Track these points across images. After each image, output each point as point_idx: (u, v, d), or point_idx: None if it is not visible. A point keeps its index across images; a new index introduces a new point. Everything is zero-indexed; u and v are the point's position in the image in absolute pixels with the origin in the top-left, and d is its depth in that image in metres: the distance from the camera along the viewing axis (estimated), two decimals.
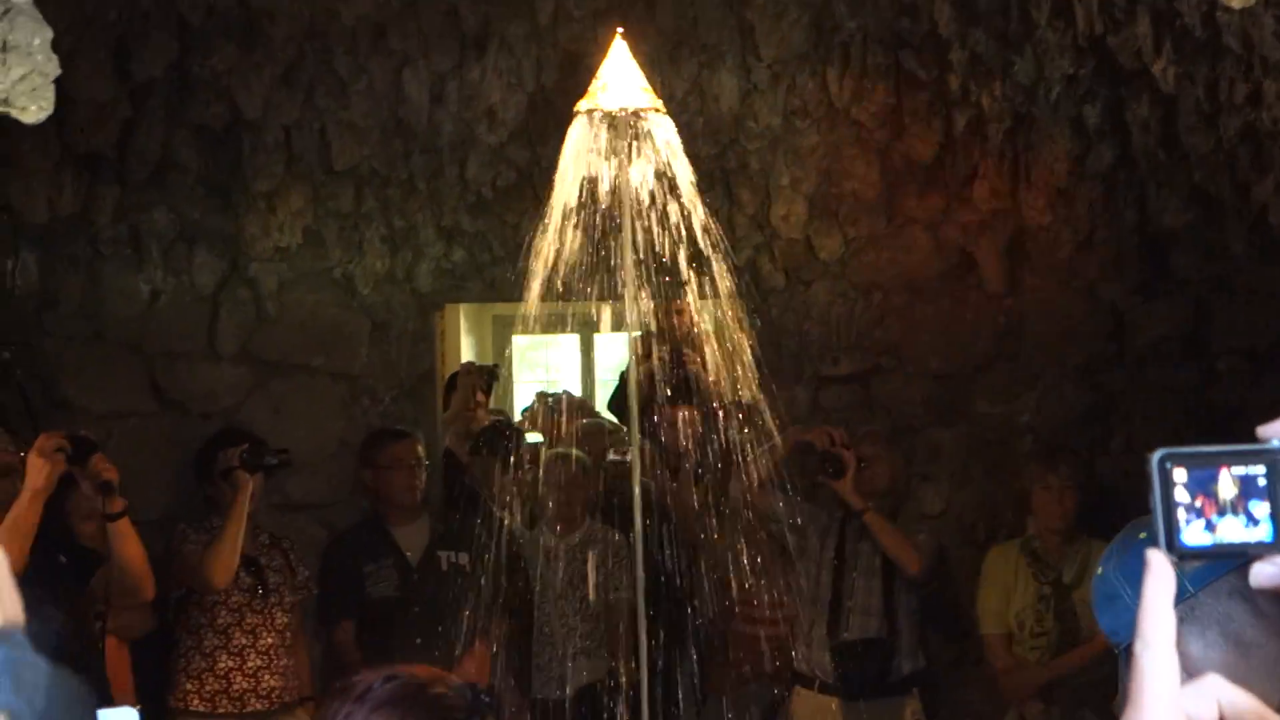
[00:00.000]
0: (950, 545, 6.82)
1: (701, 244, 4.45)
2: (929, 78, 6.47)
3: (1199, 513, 1.05)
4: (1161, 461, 1.05)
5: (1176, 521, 1.04)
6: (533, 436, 7.26)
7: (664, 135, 4.29)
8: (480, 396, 7.40)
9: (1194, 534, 1.04)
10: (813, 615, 6.34)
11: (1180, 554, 1.03)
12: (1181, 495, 1.05)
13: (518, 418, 7.62)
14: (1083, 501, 6.34)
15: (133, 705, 5.22)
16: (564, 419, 7.22)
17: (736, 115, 6.65)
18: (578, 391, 9.81)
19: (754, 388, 5.28)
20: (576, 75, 5.92)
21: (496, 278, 7.14)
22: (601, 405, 8.64)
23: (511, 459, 6.75)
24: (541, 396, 7.30)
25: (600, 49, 4.83)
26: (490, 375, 7.64)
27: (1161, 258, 7.20)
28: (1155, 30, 5.74)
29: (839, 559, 6.35)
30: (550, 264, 4.40)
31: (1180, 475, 1.05)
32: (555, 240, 4.36)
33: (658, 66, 6.09)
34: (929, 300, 7.30)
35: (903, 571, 6.25)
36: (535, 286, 4.44)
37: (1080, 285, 7.26)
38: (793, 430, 6.50)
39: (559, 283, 4.50)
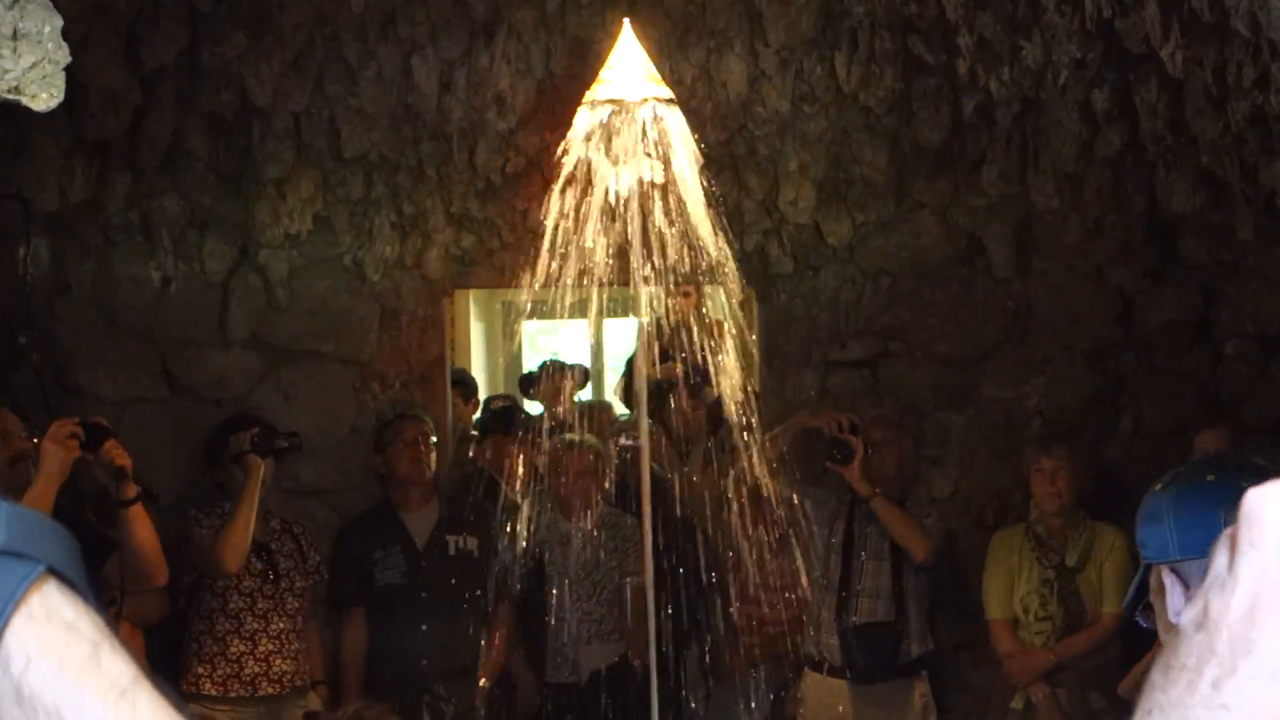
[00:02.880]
0: (959, 529, 6.85)
1: (707, 232, 4.46)
2: (937, 62, 6.47)
3: None
4: None
5: None
6: (533, 406, 7.35)
7: (673, 124, 4.30)
8: (460, 404, 7.59)
9: None
10: (821, 599, 6.37)
11: None
12: None
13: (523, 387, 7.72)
14: (1080, 485, 6.36)
15: None
16: (569, 386, 7.25)
17: (745, 101, 6.65)
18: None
19: (754, 375, 5.32)
20: (585, 61, 5.94)
21: (506, 263, 7.16)
22: (609, 391, 8.68)
23: (521, 442, 6.78)
24: (549, 364, 7.35)
25: (609, 35, 4.85)
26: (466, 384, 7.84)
27: (1170, 242, 7.20)
28: (1163, 14, 5.73)
29: (847, 543, 6.37)
30: (557, 250, 4.42)
31: None
32: (561, 227, 4.37)
33: (666, 52, 6.11)
34: (937, 285, 7.31)
35: (910, 557, 6.27)
36: (542, 271, 4.45)
37: (1088, 270, 7.27)
38: (800, 416, 6.52)
39: (566, 269, 4.52)
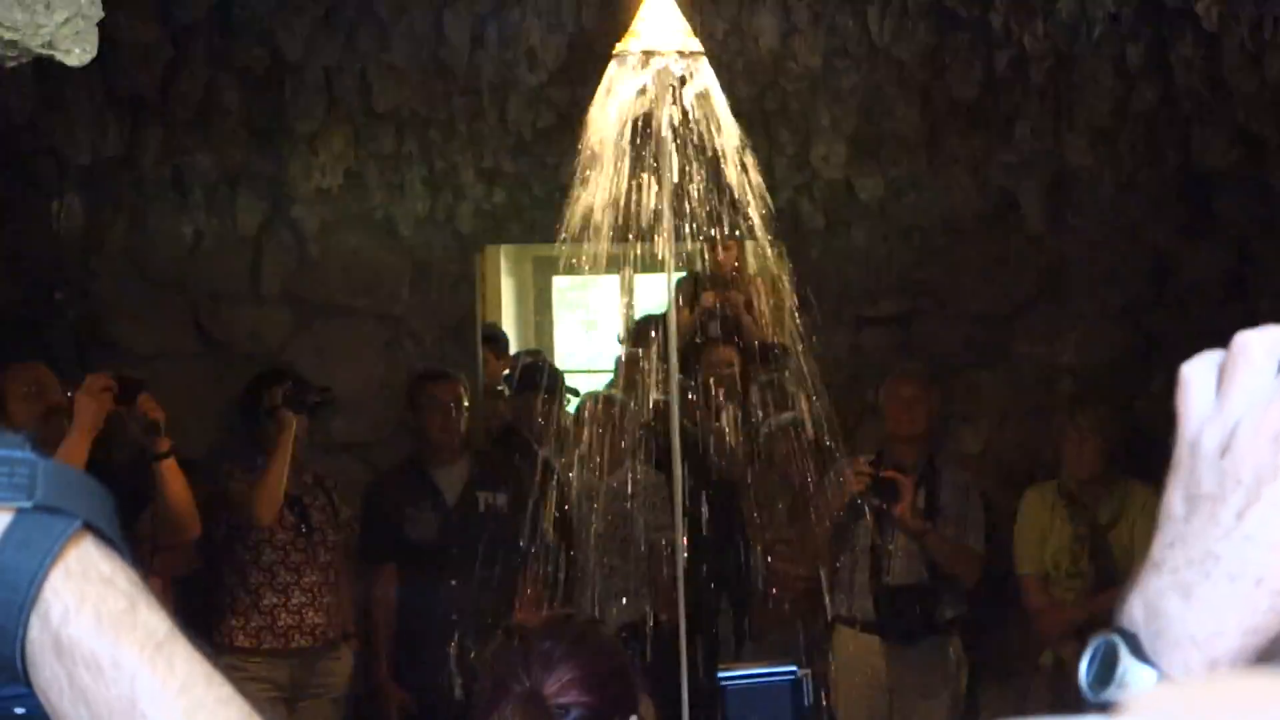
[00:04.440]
0: (989, 486, 6.82)
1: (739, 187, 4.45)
2: (970, 17, 6.42)
3: None
4: None
5: None
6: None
7: (703, 78, 4.27)
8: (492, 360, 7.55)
9: None
10: (854, 561, 6.35)
11: None
12: None
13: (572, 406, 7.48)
14: (1110, 447, 6.33)
15: None
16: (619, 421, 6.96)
17: (776, 56, 6.62)
18: (619, 330, 9.82)
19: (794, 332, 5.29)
20: (616, 16, 5.91)
21: (537, 219, 7.16)
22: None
23: (550, 399, 6.78)
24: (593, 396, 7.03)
25: None
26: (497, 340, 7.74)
27: (1204, 199, 7.15)
28: None
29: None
30: (589, 205, 4.41)
31: None
32: (593, 181, 4.37)
33: (697, 7, 6.07)
34: (970, 241, 7.28)
35: (958, 580, 6.28)
36: (573, 226, 4.45)
37: (1122, 226, 7.23)
38: (837, 499, 6.31)
39: (599, 223, 4.51)
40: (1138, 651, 0.92)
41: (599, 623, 2.72)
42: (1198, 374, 0.93)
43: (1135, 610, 0.93)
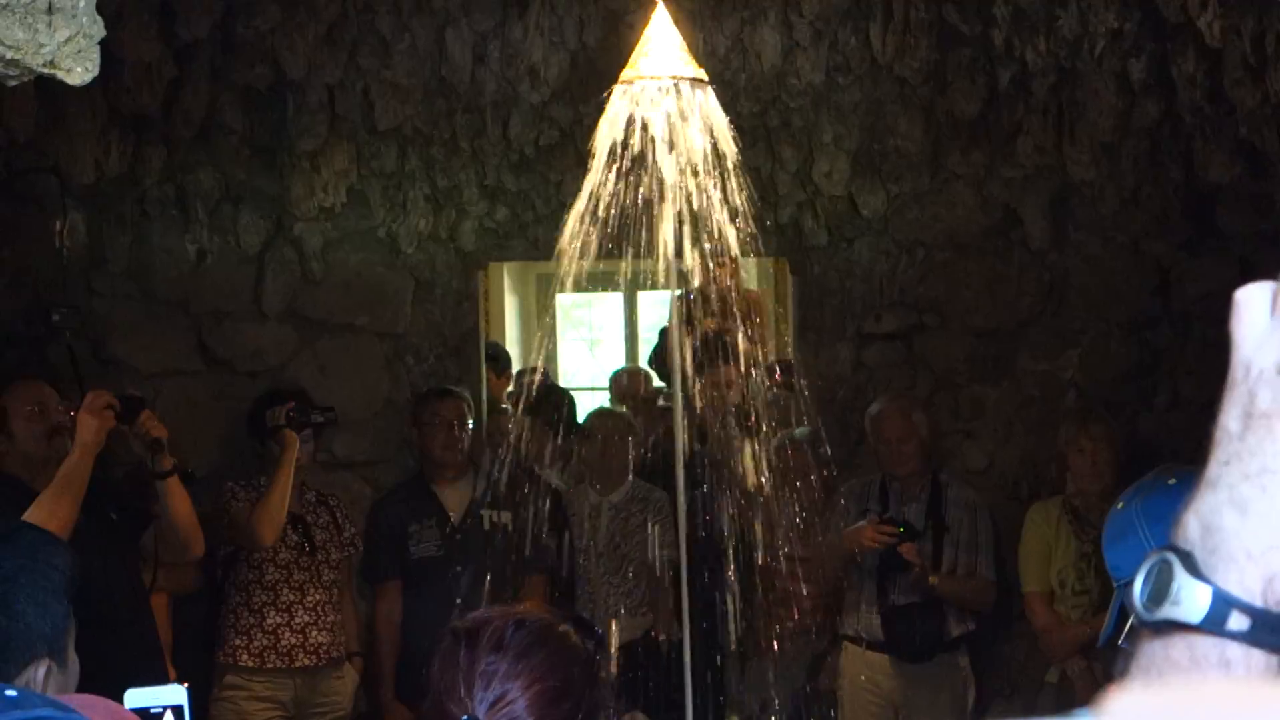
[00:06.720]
0: (994, 502, 6.81)
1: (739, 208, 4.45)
2: (972, 33, 6.42)
3: None
4: None
5: None
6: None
7: (705, 105, 4.28)
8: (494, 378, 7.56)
9: None
10: (861, 581, 6.32)
11: None
12: None
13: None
14: (1120, 459, 6.31)
15: (170, 662, 5.29)
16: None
17: (779, 72, 6.62)
18: (621, 348, 9.85)
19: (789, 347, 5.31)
20: (618, 33, 5.92)
21: (540, 236, 7.16)
22: (644, 361, 8.68)
23: (556, 417, 6.78)
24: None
25: (641, 7, 4.83)
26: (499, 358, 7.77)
27: (1207, 213, 7.14)
28: None
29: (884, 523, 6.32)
30: (592, 226, 4.42)
31: None
32: (597, 204, 4.37)
33: (700, 24, 6.08)
34: (972, 257, 7.28)
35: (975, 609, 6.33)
36: (575, 246, 4.45)
37: (1125, 241, 7.22)
38: (841, 547, 6.32)
39: (601, 242, 4.51)
40: (1193, 569, 0.94)
41: (555, 626, 2.47)
42: (1253, 298, 0.96)
43: (1190, 528, 0.95)
